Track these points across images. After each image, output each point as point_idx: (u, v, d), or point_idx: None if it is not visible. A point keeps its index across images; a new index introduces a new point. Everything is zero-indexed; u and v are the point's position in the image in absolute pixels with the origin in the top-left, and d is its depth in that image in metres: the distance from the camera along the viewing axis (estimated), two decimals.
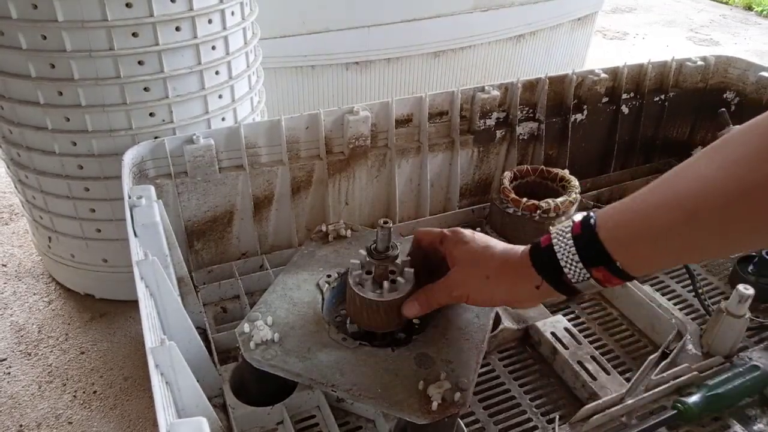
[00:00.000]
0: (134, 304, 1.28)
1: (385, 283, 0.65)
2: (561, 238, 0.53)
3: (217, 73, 1.11)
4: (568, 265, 0.52)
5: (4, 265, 1.42)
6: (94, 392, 1.12)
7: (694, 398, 0.70)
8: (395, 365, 0.62)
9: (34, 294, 1.34)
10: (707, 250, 0.49)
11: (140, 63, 1.00)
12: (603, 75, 1.11)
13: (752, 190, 0.41)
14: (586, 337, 0.81)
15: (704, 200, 0.44)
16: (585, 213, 0.53)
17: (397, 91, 1.94)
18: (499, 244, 0.60)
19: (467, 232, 0.63)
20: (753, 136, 0.42)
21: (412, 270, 0.67)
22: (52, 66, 0.99)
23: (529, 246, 0.56)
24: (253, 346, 0.63)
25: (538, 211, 0.88)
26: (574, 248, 0.51)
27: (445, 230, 0.65)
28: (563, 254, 0.52)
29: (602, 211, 0.52)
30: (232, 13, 1.10)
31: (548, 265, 0.53)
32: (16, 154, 1.14)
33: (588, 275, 0.51)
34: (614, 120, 1.17)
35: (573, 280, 0.52)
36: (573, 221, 0.53)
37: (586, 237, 0.51)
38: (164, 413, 0.49)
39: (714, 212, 0.44)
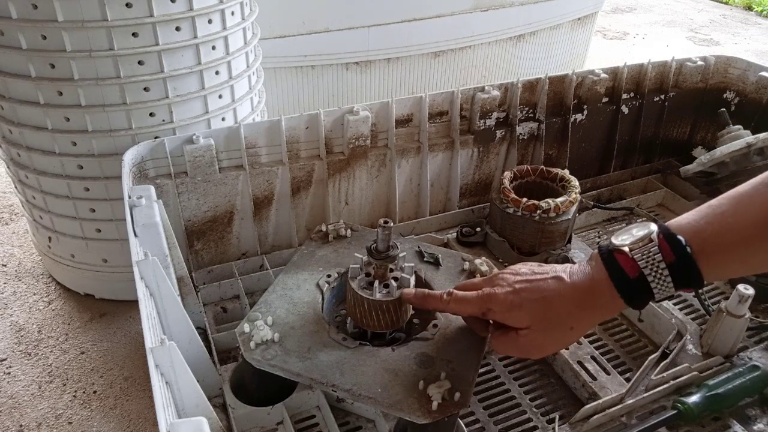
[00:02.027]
0: (134, 304, 1.28)
1: (386, 283, 0.65)
2: (654, 268, 0.50)
3: (217, 73, 1.11)
4: (660, 291, 0.51)
5: (4, 265, 1.42)
6: (94, 392, 1.12)
7: (694, 398, 0.70)
8: (395, 365, 0.62)
9: (34, 294, 1.34)
10: None
11: (140, 63, 1.00)
12: (603, 75, 1.11)
13: None
14: (586, 337, 0.81)
15: None
16: (663, 230, 0.51)
17: (397, 91, 1.94)
18: (555, 292, 0.55)
19: (501, 294, 0.57)
20: None
21: (413, 266, 0.67)
22: (52, 66, 0.99)
23: (606, 276, 0.53)
24: (253, 346, 0.63)
25: (538, 211, 0.88)
26: (669, 278, 0.50)
27: (477, 301, 0.59)
28: (658, 284, 0.51)
29: (694, 232, 0.50)
30: (232, 13, 1.10)
31: (639, 295, 0.52)
32: (16, 154, 1.14)
33: (672, 294, 0.51)
34: (614, 120, 1.17)
35: (656, 300, 0.52)
36: (656, 242, 0.50)
37: (682, 265, 0.50)
38: (164, 413, 0.49)
39: None
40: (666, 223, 0.53)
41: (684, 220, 0.52)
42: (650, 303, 0.53)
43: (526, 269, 0.59)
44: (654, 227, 0.52)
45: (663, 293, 0.51)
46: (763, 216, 0.48)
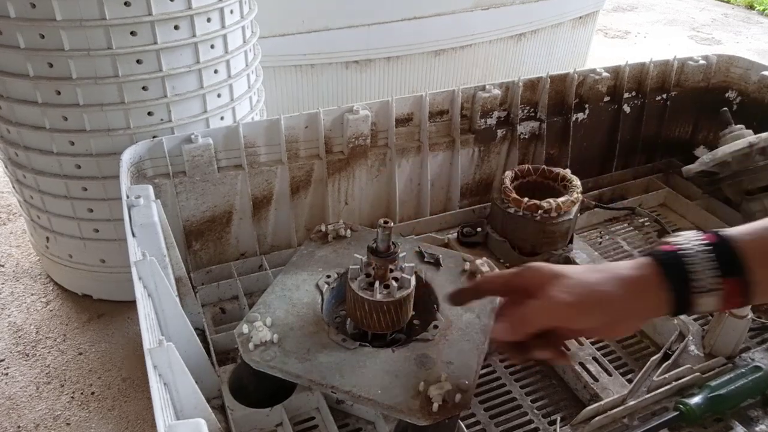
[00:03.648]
0: (132, 304, 1.27)
1: (386, 284, 0.65)
2: (692, 248, 0.49)
3: (215, 71, 1.10)
4: (700, 275, 0.49)
5: (2, 266, 1.42)
6: (92, 393, 1.11)
7: (696, 399, 0.69)
8: (395, 366, 0.62)
9: (32, 294, 1.33)
10: None
11: (138, 62, 1.00)
12: (604, 74, 1.10)
13: None
14: (587, 338, 0.81)
15: None
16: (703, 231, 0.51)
17: (398, 90, 1.94)
18: (595, 275, 0.52)
19: (556, 270, 0.54)
20: None
21: (413, 267, 0.67)
22: (50, 65, 0.98)
23: (651, 263, 0.51)
24: (252, 347, 0.63)
25: (540, 211, 0.88)
26: (713, 254, 0.49)
27: (509, 277, 0.57)
28: (697, 263, 0.49)
29: (733, 228, 0.50)
30: (231, 12, 1.10)
31: (679, 276, 0.49)
32: (13, 154, 1.14)
33: (719, 286, 0.48)
34: (616, 119, 1.17)
35: (699, 290, 0.49)
36: (697, 234, 0.50)
37: (724, 248, 0.49)
38: (162, 414, 0.49)
39: None
40: None
41: (733, 229, 0.51)
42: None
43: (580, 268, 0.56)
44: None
45: (703, 276, 0.49)
46: None
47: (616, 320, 0.53)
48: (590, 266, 0.54)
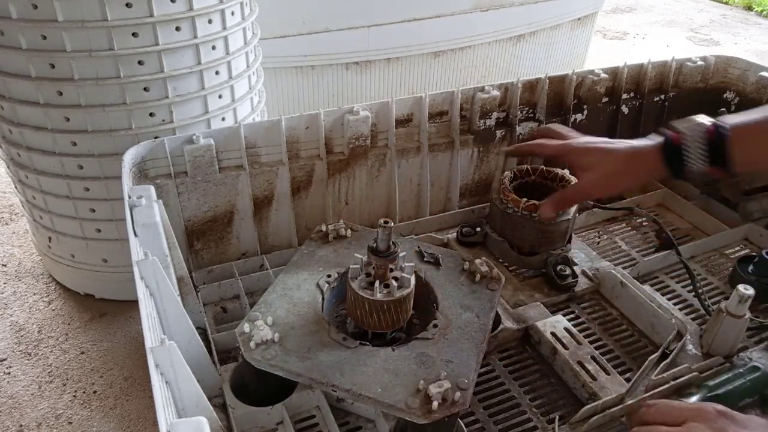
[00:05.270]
0: (134, 304, 1.28)
1: (386, 283, 0.65)
2: (693, 143, 0.67)
3: (217, 73, 1.11)
4: (692, 162, 0.68)
5: (4, 265, 1.42)
6: (94, 392, 1.12)
7: (693, 399, 0.70)
8: (395, 365, 0.62)
9: (34, 294, 1.34)
10: None
11: (140, 63, 1.01)
12: (603, 75, 1.11)
13: None
14: (586, 337, 0.81)
15: None
16: (712, 120, 0.67)
17: (397, 91, 1.94)
18: (619, 144, 0.77)
19: (588, 143, 0.79)
20: None
21: (413, 266, 0.67)
22: (52, 66, 0.99)
23: (658, 144, 0.72)
24: (253, 346, 0.63)
25: (538, 211, 0.88)
26: (706, 152, 0.66)
27: (568, 146, 0.80)
28: (692, 155, 0.67)
29: (734, 124, 0.65)
30: (232, 13, 1.10)
31: (675, 160, 0.70)
32: (16, 154, 1.14)
33: (703, 170, 0.67)
34: (614, 120, 1.17)
35: (690, 171, 0.68)
36: (704, 125, 0.67)
37: (717, 145, 0.66)
38: (164, 413, 0.49)
39: None
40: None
41: (739, 118, 0.66)
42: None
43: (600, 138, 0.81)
44: (710, 119, 0.69)
45: (696, 161, 0.67)
46: None
47: (611, 167, 0.77)
48: (619, 155, 0.77)
